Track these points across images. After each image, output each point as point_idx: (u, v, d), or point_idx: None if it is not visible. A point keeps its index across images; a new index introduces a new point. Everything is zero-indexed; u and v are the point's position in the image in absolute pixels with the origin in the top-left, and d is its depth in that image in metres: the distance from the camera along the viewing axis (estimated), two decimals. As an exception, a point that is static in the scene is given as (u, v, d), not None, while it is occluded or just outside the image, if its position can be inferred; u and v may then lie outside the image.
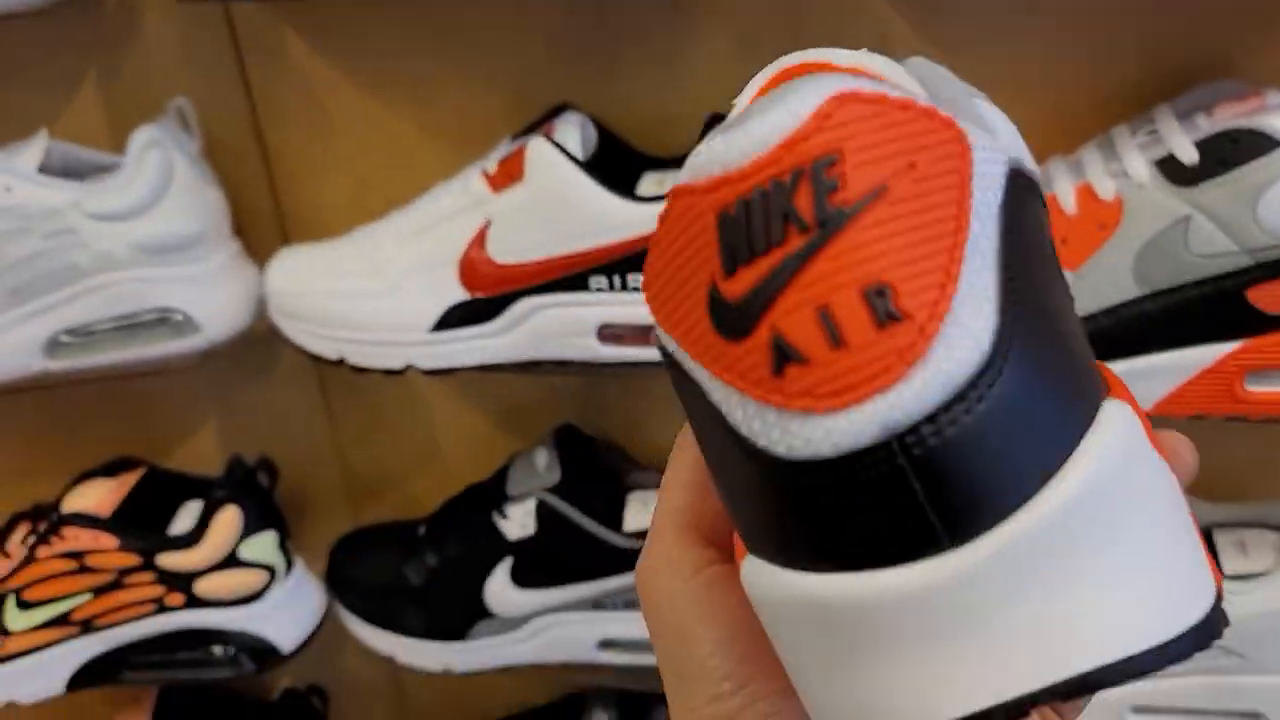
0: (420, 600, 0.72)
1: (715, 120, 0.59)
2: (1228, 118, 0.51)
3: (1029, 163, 0.24)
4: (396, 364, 0.61)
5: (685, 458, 0.29)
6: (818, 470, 0.20)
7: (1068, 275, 0.51)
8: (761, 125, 0.20)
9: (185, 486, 0.75)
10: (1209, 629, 0.21)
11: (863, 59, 0.25)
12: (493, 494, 0.71)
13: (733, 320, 0.20)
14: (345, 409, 0.80)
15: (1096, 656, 0.19)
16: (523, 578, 0.69)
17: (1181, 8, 0.58)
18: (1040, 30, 0.60)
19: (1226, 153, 0.49)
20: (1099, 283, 0.51)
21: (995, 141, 0.22)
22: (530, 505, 0.68)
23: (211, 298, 0.67)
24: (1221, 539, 0.61)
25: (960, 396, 0.19)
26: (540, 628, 0.71)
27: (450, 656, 0.72)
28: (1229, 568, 0.60)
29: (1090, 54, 0.60)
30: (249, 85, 0.69)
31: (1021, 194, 0.22)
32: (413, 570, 0.73)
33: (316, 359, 0.64)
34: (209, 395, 0.79)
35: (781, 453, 0.20)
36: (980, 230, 0.20)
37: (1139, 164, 0.51)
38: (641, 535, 0.68)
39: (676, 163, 0.62)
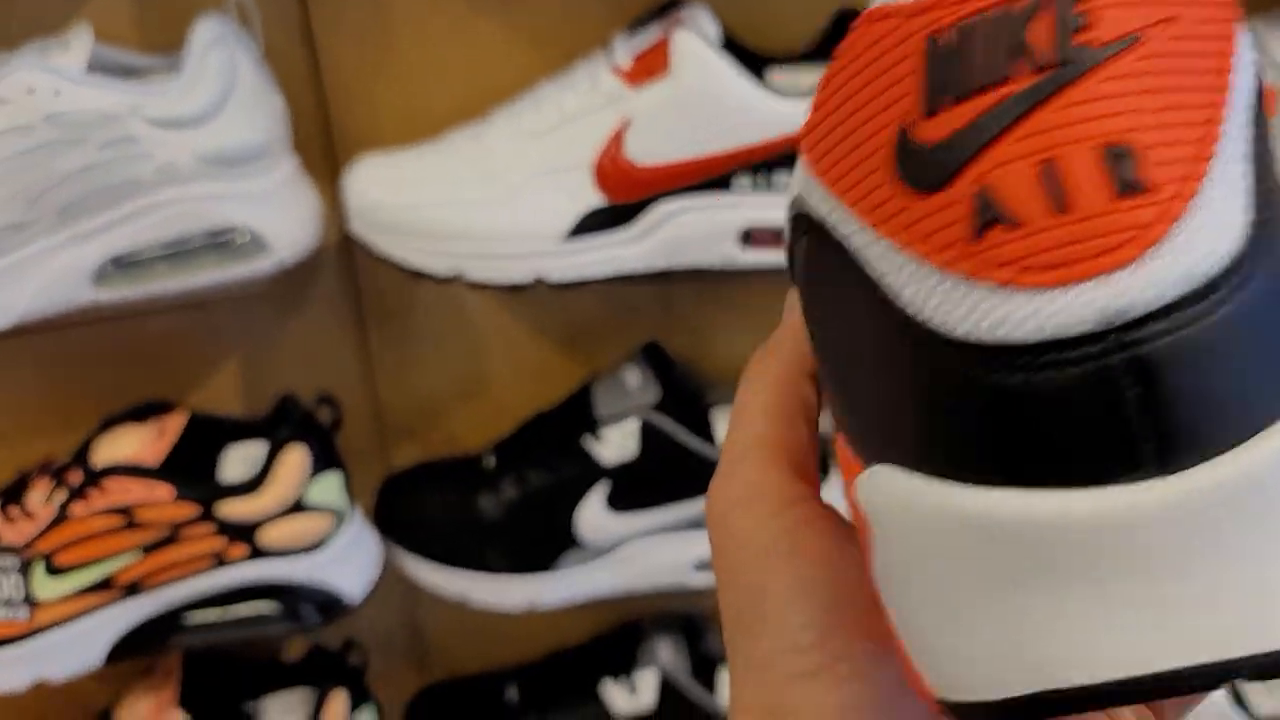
0: (500, 535, 0.68)
1: (847, 16, 0.58)
2: None
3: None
4: (524, 277, 0.58)
5: (768, 378, 0.26)
6: (1011, 358, 0.16)
7: None
8: None
9: (229, 430, 0.68)
10: None
11: None
12: (578, 418, 0.68)
13: (926, 170, 0.17)
14: (383, 341, 0.74)
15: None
16: (620, 502, 0.67)
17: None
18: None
19: None
20: None
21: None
22: (630, 426, 0.66)
23: (279, 216, 0.61)
24: None
25: (1201, 294, 0.16)
26: (633, 553, 0.68)
27: (535, 590, 0.69)
28: None
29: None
30: (301, -21, 0.62)
31: (1260, 99, 0.19)
32: (488, 504, 0.69)
33: (421, 275, 0.59)
34: (235, 329, 0.72)
35: (963, 333, 0.16)
36: (1235, 115, 0.17)
37: None
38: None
39: (799, 59, 0.61)
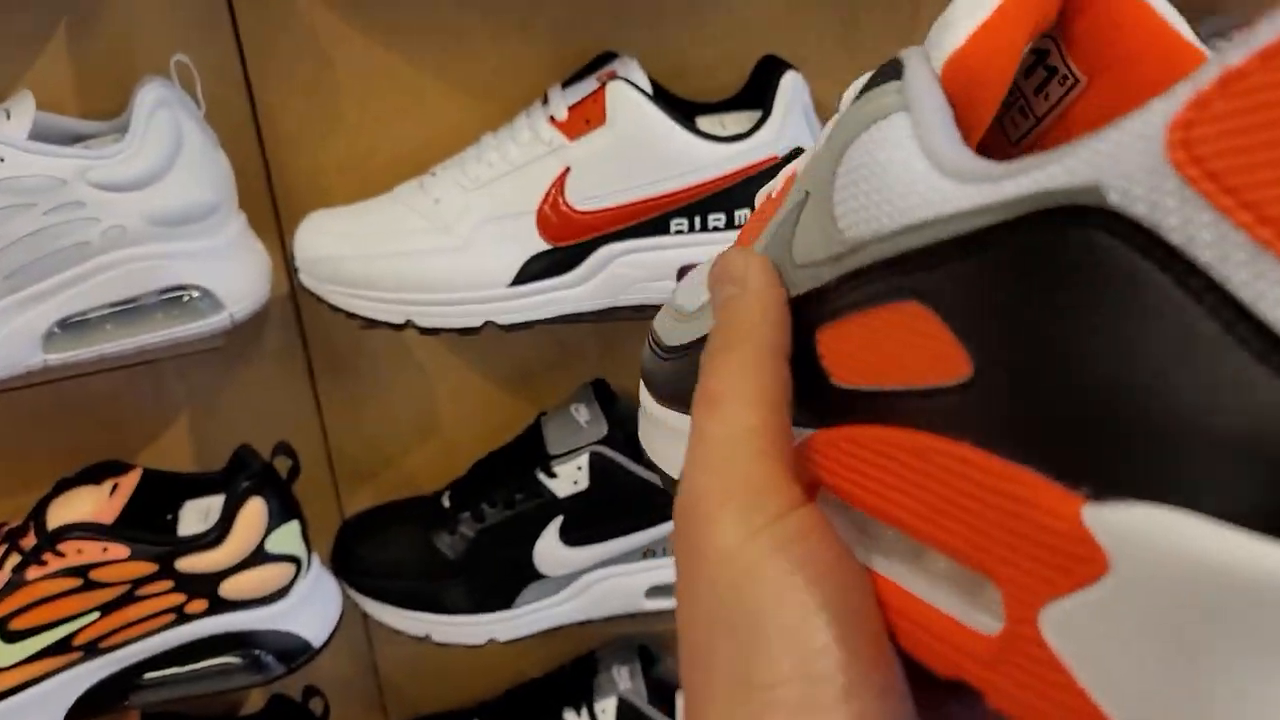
0: (459, 573, 0.70)
1: (771, 63, 0.61)
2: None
3: None
4: (474, 322, 0.59)
5: (747, 363, 0.24)
6: None
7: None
8: None
9: (183, 485, 0.69)
10: None
11: None
12: (531, 454, 0.70)
13: None
14: (333, 388, 0.75)
15: None
16: (573, 535, 0.68)
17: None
18: None
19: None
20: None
21: None
22: (581, 460, 0.68)
23: (231, 271, 0.62)
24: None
25: None
26: (588, 583, 0.70)
27: (495, 627, 0.70)
28: None
29: None
30: (240, 38, 0.64)
31: None
32: (445, 544, 0.70)
33: (374, 324, 0.61)
34: (181, 385, 0.73)
35: None
36: None
37: None
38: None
39: (726, 105, 0.64)
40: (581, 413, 0.69)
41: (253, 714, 0.79)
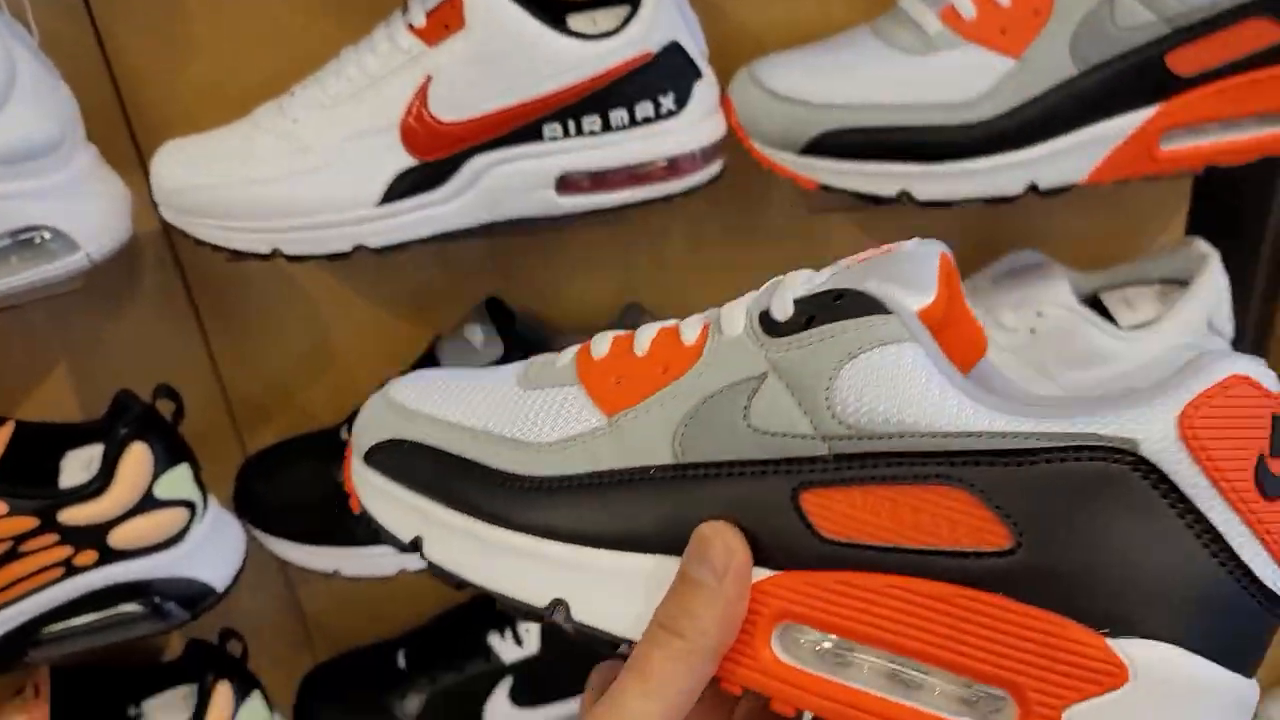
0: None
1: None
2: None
3: None
4: (344, 246, 0.57)
5: (689, 659, 0.31)
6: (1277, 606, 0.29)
7: (1008, 63, 0.55)
8: None
9: (61, 436, 0.66)
10: None
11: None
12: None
13: (1271, 489, 0.28)
14: (220, 326, 0.72)
15: None
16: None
17: None
18: None
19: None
20: (1041, 64, 0.56)
21: None
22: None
23: (81, 210, 0.58)
24: (1110, 298, 0.70)
25: None
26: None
27: (404, 558, 0.68)
28: (1124, 321, 0.68)
29: None
30: (75, -39, 0.60)
31: None
32: (339, 472, 0.68)
33: (239, 255, 0.58)
34: (58, 331, 0.69)
35: (1273, 588, 0.29)
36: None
37: (1057, -46, 0.56)
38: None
39: (595, 2, 0.61)
40: (476, 335, 0.67)
41: (171, 661, 0.78)
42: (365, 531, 0.68)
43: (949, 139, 0.56)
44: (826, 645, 0.32)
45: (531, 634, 0.76)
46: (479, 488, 0.36)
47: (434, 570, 0.37)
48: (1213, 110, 0.57)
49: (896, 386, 0.31)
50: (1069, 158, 0.57)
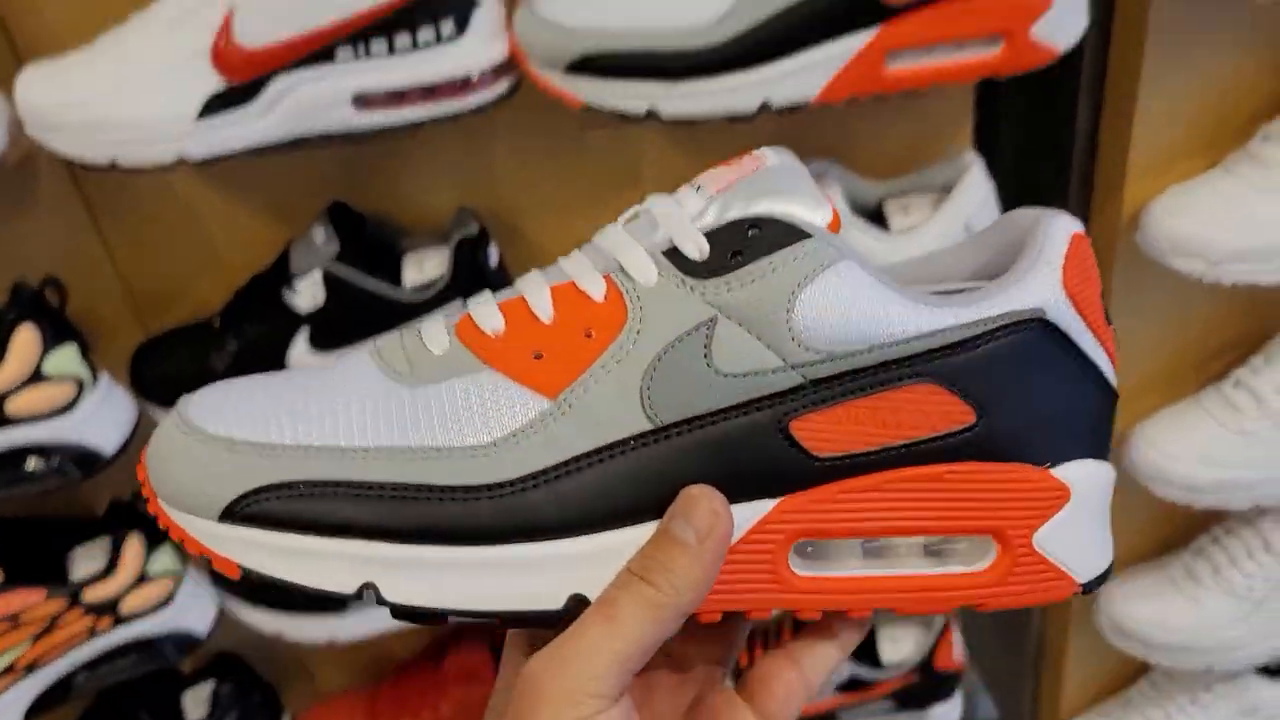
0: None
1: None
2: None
3: None
4: (168, 158, 0.66)
5: (658, 611, 0.32)
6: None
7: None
8: None
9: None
10: None
11: None
12: (278, 276, 0.77)
13: (1108, 316, 0.38)
14: (114, 228, 0.83)
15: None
16: (320, 342, 0.77)
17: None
18: None
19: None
20: (764, -6, 0.62)
21: None
22: (316, 277, 0.75)
23: (-41, 125, 0.69)
24: (890, 205, 0.76)
25: None
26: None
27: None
28: (895, 225, 0.75)
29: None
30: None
31: None
32: (216, 359, 0.79)
33: (87, 168, 0.68)
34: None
35: (1115, 389, 0.38)
36: None
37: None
38: (422, 288, 0.77)
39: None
40: (319, 235, 0.77)
41: (96, 517, 0.90)
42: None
43: (688, 60, 0.63)
44: (840, 547, 0.37)
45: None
46: (436, 510, 0.33)
47: (398, 611, 0.33)
48: (928, 34, 0.63)
49: (849, 304, 0.34)
50: (799, 77, 0.64)
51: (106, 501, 0.90)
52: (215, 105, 0.65)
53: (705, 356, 0.33)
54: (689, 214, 0.35)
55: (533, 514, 0.33)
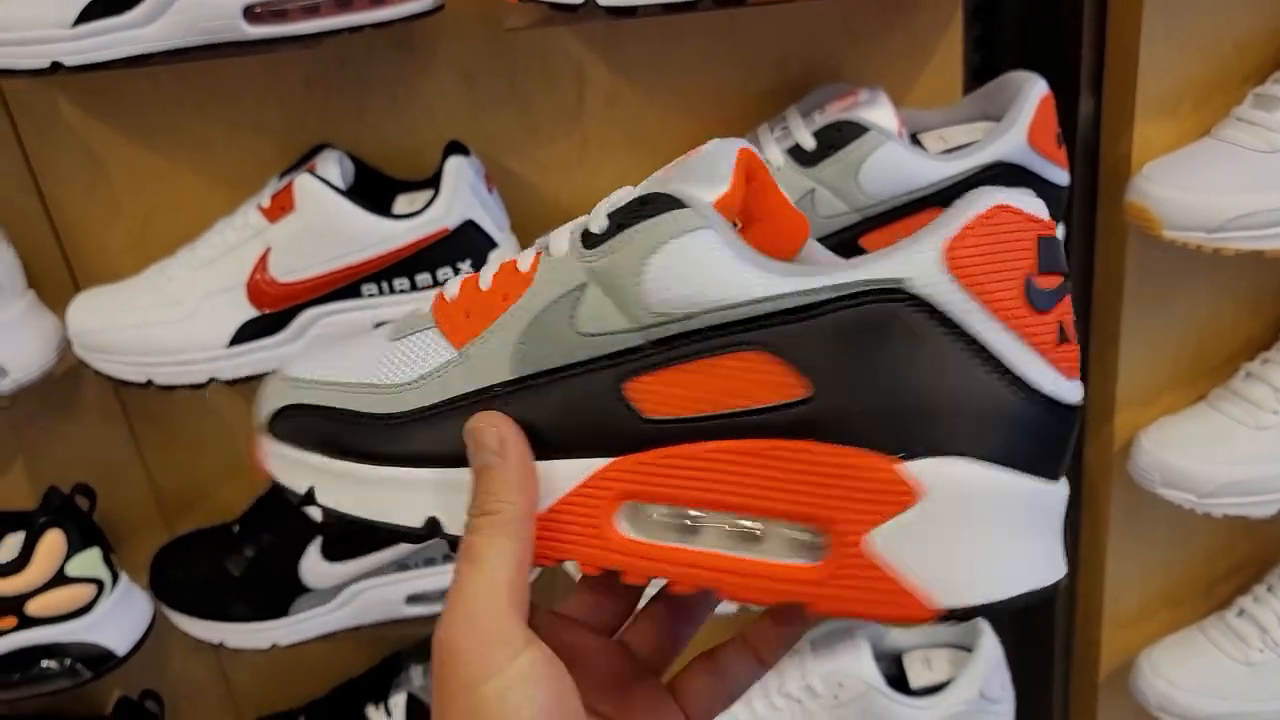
0: (242, 588, 0.81)
1: (454, 148, 0.72)
2: (835, 111, 0.68)
3: None
4: (200, 379, 0.71)
5: (506, 527, 0.34)
6: (1065, 411, 0.33)
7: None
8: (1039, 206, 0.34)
9: (3, 521, 0.81)
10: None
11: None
12: (297, 486, 0.81)
13: (1040, 300, 0.32)
14: (149, 434, 0.88)
15: (1057, 573, 0.34)
16: (332, 552, 0.80)
17: (799, 27, 0.75)
18: (698, 51, 0.76)
19: (834, 138, 0.66)
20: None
21: None
22: (333, 489, 0.79)
23: (14, 344, 0.74)
24: (910, 658, 0.88)
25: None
26: (353, 594, 0.82)
27: (275, 634, 0.82)
28: (916, 681, 0.86)
29: (736, 66, 0.76)
30: (26, 151, 0.77)
31: None
32: (232, 564, 0.82)
33: (125, 384, 0.73)
34: (16, 436, 0.86)
35: (1053, 394, 0.32)
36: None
37: (776, 152, 0.68)
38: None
39: (423, 184, 0.75)
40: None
41: (104, 715, 0.92)
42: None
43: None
44: (663, 514, 0.36)
45: (399, 708, 0.88)
46: (353, 433, 0.39)
47: (326, 513, 0.40)
48: None
49: (696, 269, 0.34)
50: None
51: (114, 698, 0.92)
52: (247, 332, 0.70)
53: (571, 318, 0.37)
54: (620, 198, 0.38)
55: (414, 443, 0.38)
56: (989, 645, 0.84)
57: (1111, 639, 0.98)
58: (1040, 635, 0.99)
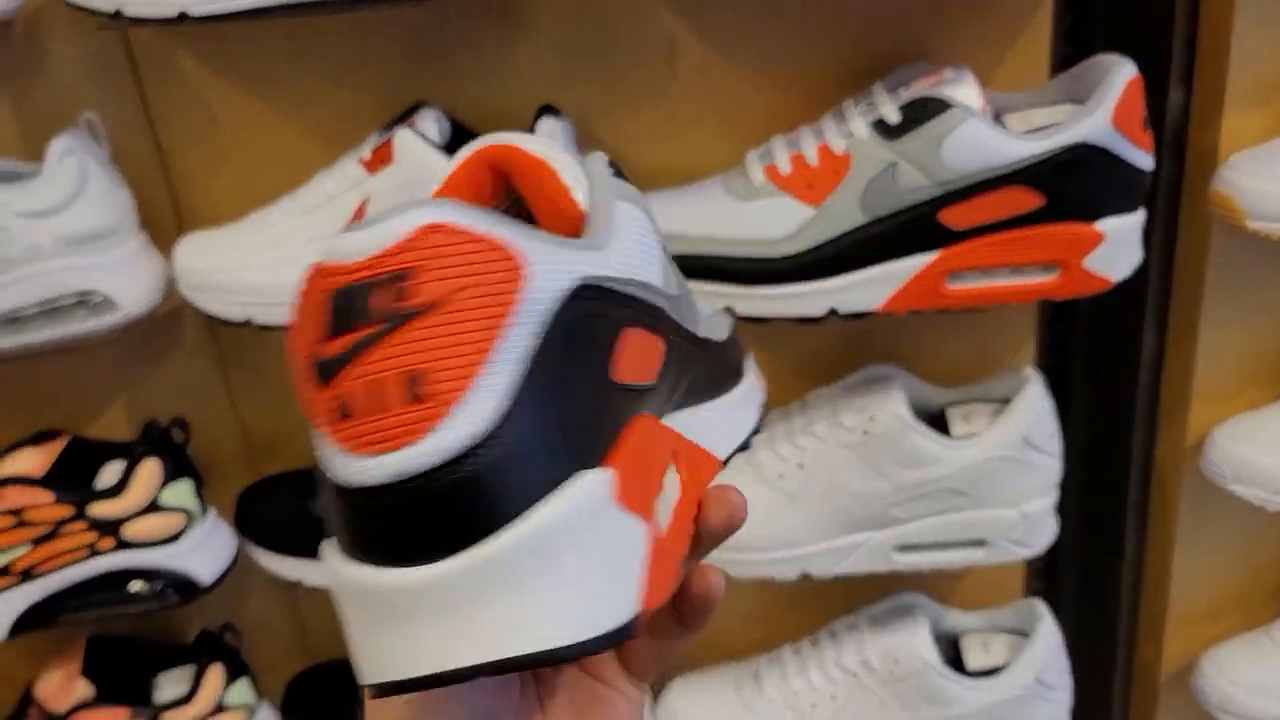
0: (324, 529, 0.85)
1: (545, 111, 0.75)
2: (920, 88, 0.69)
3: (630, 266, 0.32)
4: (296, 320, 0.75)
5: None
6: (365, 495, 0.27)
7: (810, 210, 0.69)
8: (374, 234, 0.27)
9: (105, 450, 0.86)
10: (620, 635, 0.29)
11: (545, 150, 0.34)
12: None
13: (322, 373, 0.27)
14: (241, 378, 0.92)
15: (528, 645, 0.27)
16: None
17: (888, 6, 0.76)
18: (788, 28, 0.77)
19: (919, 113, 0.68)
20: (836, 213, 0.69)
21: (576, 257, 0.30)
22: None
23: (126, 280, 0.79)
24: (952, 413, 0.81)
25: (456, 460, 0.26)
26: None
27: (352, 573, 0.85)
28: (956, 432, 0.79)
29: (824, 44, 0.78)
30: (145, 98, 0.81)
31: (587, 302, 0.29)
32: (315, 506, 0.86)
33: (225, 323, 0.77)
34: (119, 371, 0.90)
35: (343, 480, 0.27)
36: (515, 337, 0.27)
37: (860, 125, 0.69)
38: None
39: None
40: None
41: (185, 644, 0.96)
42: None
43: (761, 268, 0.70)
44: None
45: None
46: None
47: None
48: (986, 259, 0.69)
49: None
50: (864, 289, 0.70)
51: (196, 630, 0.96)
52: (342, 279, 0.74)
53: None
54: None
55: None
56: (1048, 631, 0.85)
57: (1176, 636, 0.97)
58: (1102, 626, 0.99)
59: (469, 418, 0.26)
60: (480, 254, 0.27)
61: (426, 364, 0.26)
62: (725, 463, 0.40)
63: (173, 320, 0.88)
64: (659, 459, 0.33)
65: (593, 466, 0.29)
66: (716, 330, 0.42)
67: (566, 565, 0.28)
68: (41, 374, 0.88)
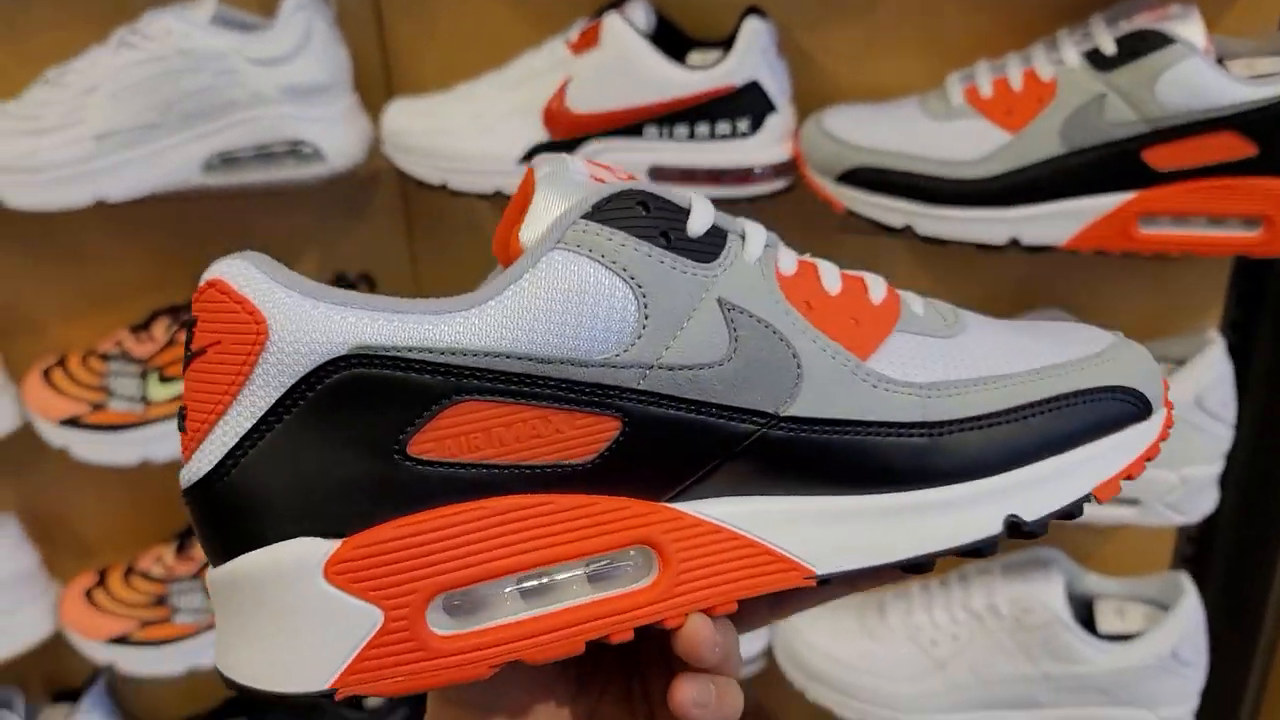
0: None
1: (751, 11, 0.75)
2: (1142, 21, 0.67)
3: (515, 334, 0.33)
4: (488, 189, 0.78)
5: None
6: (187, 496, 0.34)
7: (1006, 136, 0.68)
8: (206, 274, 0.33)
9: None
10: (305, 697, 0.32)
11: (545, 178, 0.35)
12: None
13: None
14: (425, 247, 0.96)
15: (228, 670, 0.33)
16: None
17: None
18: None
19: (1137, 46, 0.66)
20: (1033, 141, 0.68)
21: (352, 324, 0.32)
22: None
23: (336, 135, 0.83)
24: (1102, 606, 0.85)
25: (202, 484, 0.33)
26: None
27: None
28: (1105, 627, 0.84)
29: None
30: (372, -34, 0.85)
31: (366, 370, 0.32)
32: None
33: (422, 185, 0.81)
34: (317, 224, 0.96)
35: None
36: (250, 392, 0.32)
37: (1072, 54, 0.68)
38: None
39: (716, 44, 0.78)
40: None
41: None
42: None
43: (948, 188, 0.69)
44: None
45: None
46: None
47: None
48: (1186, 205, 0.66)
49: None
50: (1051, 223, 0.69)
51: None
52: (534, 154, 0.76)
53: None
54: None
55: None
56: (1191, 606, 0.83)
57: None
58: (1247, 610, 0.96)
59: (206, 457, 0.32)
60: (234, 313, 0.32)
61: (188, 400, 0.33)
62: (823, 580, 0.35)
63: (370, 182, 0.93)
64: (486, 546, 0.32)
65: (334, 535, 0.31)
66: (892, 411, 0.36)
67: (253, 615, 0.32)
68: (246, 216, 0.94)
